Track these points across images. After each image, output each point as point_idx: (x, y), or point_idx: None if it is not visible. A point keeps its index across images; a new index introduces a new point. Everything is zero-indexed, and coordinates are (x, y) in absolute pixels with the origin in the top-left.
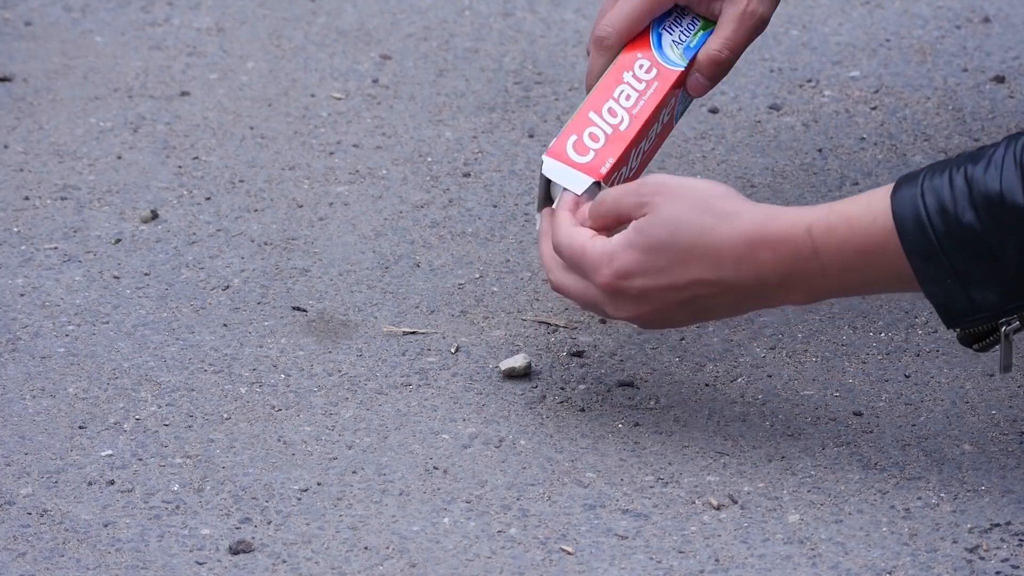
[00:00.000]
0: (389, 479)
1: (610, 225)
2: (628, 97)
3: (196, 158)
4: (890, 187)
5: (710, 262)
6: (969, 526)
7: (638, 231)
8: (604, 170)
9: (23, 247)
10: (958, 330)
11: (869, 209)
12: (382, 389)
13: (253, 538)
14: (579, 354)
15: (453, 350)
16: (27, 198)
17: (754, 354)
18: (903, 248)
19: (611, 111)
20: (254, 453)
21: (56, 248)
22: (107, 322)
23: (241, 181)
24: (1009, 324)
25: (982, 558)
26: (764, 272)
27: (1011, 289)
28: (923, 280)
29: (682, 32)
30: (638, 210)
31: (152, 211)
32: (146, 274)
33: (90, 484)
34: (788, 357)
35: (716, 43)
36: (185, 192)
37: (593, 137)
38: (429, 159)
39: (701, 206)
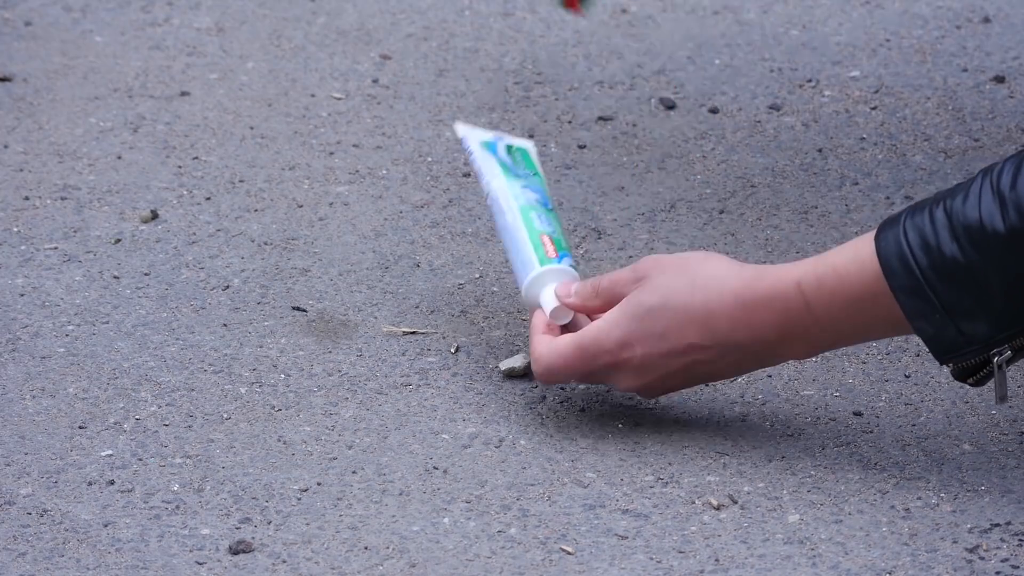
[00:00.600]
0: (389, 479)
1: (605, 304)
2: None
3: (196, 158)
4: (873, 232)
5: (704, 325)
6: (969, 526)
7: (631, 300)
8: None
9: (23, 247)
10: (951, 365)
11: (856, 257)
12: (382, 389)
13: (253, 538)
14: None
15: (453, 350)
16: (27, 198)
17: None
18: (890, 287)
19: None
20: (254, 453)
21: (56, 248)
22: (107, 322)
23: (241, 181)
24: (1001, 354)
25: (982, 558)
26: (760, 331)
27: (999, 318)
28: (911, 316)
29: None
30: (634, 285)
31: (152, 211)
32: (146, 274)
33: (90, 484)
34: None
35: None
36: (185, 192)
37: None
38: (429, 159)
39: (688, 271)
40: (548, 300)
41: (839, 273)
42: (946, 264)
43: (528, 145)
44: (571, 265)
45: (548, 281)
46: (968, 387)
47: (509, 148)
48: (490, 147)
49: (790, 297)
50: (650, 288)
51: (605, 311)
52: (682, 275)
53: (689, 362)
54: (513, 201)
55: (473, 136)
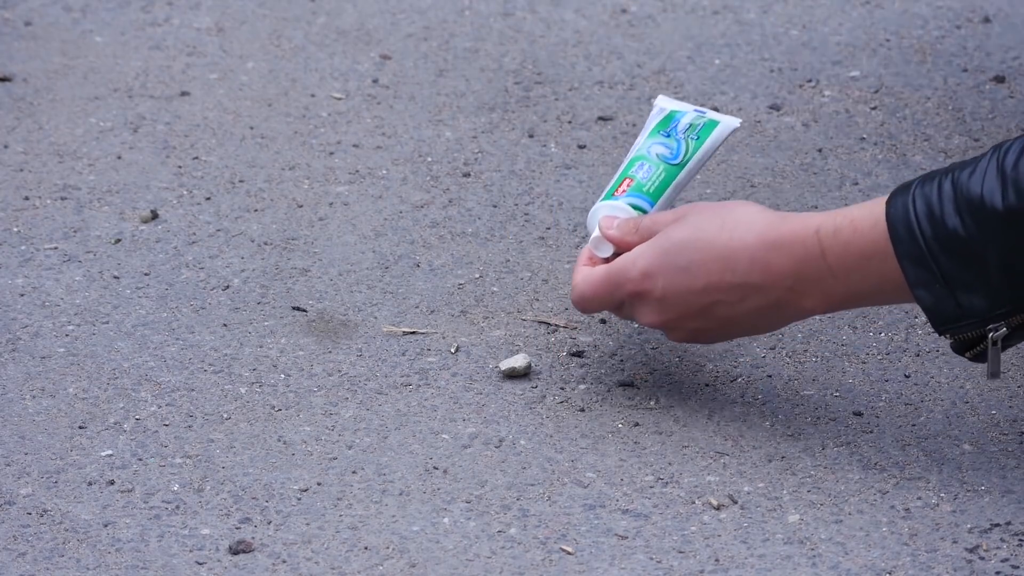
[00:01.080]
0: (389, 479)
1: (642, 241)
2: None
3: (196, 158)
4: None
5: (725, 264)
6: (969, 526)
7: (663, 234)
8: None
9: (23, 247)
10: (950, 337)
11: (872, 214)
12: (382, 389)
13: (253, 538)
14: (579, 354)
15: (453, 350)
16: (27, 198)
17: (754, 354)
18: (895, 253)
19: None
20: (254, 453)
21: (56, 248)
22: (107, 322)
23: (241, 181)
24: (996, 330)
25: (982, 558)
26: (777, 273)
27: (997, 294)
28: (913, 284)
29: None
30: (671, 224)
31: (152, 211)
32: (146, 274)
33: (90, 484)
34: (788, 357)
35: None
36: (185, 192)
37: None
38: (429, 159)
39: (721, 213)
40: (593, 231)
41: (855, 226)
42: (948, 236)
43: (725, 120)
44: (637, 207)
45: (602, 215)
46: (968, 387)
47: (694, 120)
48: (673, 114)
49: (808, 242)
50: (682, 224)
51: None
52: (715, 216)
53: (710, 303)
54: (634, 152)
55: (668, 104)
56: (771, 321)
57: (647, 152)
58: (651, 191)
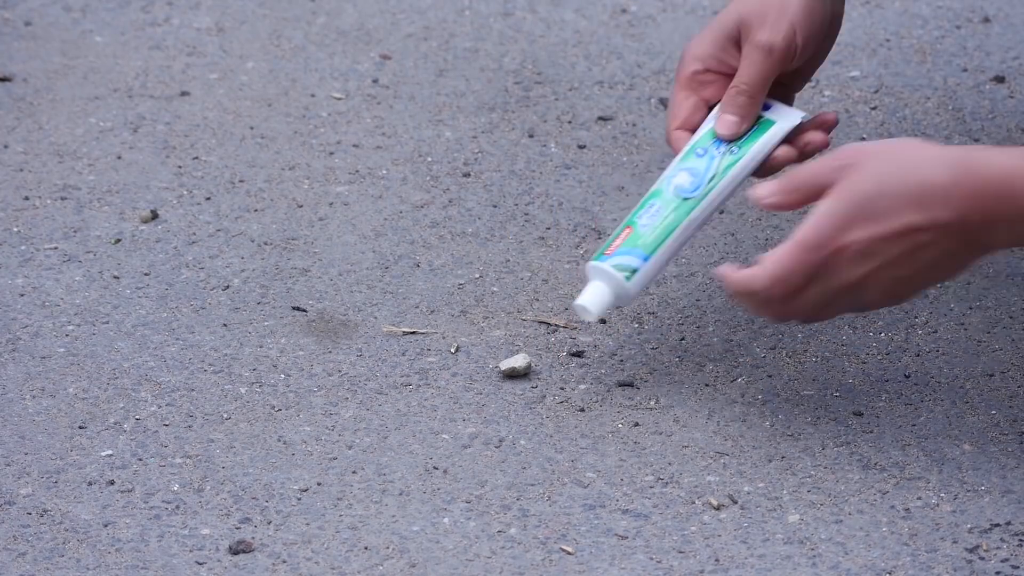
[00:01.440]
0: (389, 479)
1: (805, 198)
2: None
3: (196, 158)
4: None
5: (921, 203)
6: (969, 526)
7: (844, 188)
8: None
9: (23, 247)
10: None
11: None
12: (382, 389)
13: (253, 538)
14: (579, 354)
15: (453, 350)
16: (27, 198)
17: (754, 354)
18: None
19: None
20: (254, 453)
21: (56, 248)
22: (107, 322)
23: (241, 181)
24: None
25: (982, 558)
26: (968, 212)
27: None
28: None
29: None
30: (839, 173)
31: (152, 211)
32: (146, 274)
33: (90, 484)
34: (788, 357)
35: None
36: (185, 192)
37: None
38: (429, 159)
39: (896, 157)
40: (582, 297)
41: None
42: None
43: (785, 117)
44: (623, 267)
45: (591, 277)
46: (968, 387)
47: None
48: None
49: (1000, 181)
50: (863, 175)
51: (806, 203)
52: (891, 161)
53: (911, 247)
54: (659, 181)
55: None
56: (965, 259)
57: (666, 185)
58: (647, 243)
